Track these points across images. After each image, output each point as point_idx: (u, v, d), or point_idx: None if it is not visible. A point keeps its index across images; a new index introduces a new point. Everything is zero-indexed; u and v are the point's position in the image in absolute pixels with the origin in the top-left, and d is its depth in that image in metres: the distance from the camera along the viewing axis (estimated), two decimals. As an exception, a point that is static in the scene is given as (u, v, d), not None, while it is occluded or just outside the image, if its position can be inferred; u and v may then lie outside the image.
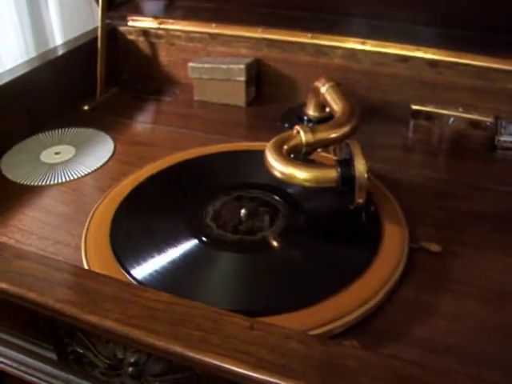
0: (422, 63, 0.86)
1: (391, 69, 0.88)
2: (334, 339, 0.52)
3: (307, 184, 0.61)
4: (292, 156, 0.66)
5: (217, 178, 0.73)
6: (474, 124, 0.82)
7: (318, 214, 0.66)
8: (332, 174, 0.60)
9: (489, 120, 0.82)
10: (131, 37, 1.03)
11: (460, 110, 0.83)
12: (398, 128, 0.87)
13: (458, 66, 0.84)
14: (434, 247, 0.63)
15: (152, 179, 0.72)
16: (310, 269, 0.59)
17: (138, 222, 0.65)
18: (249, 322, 0.41)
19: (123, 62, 1.05)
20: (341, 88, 0.79)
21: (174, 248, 0.61)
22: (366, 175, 0.58)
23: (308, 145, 0.66)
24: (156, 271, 0.58)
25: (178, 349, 0.40)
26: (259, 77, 0.96)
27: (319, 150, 0.69)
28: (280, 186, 0.67)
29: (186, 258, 0.60)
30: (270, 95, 0.97)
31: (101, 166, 0.79)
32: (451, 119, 0.83)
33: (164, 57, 1.02)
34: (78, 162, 0.80)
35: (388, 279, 0.57)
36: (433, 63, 0.86)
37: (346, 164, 0.60)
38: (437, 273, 0.60)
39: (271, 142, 0.64)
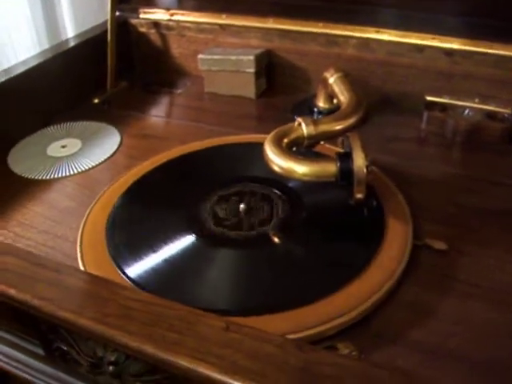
0: (438, 52, 0.83)
1: (406, 59, 0.85)
2: (328, 340, 0.50)
3: (306, 178, 0.58)
4: (294, 149, 0.64)
5: (217, 172, 0.71)
6: (491, 115, 0.79)
7: (319, 209, 0.64)
8: (331, 168, 0.58)
9: (506, 111, 0.78)
10: (142, 29, 1.02)
11: (476, 100, 0.80)
12: (412, 120, 0.83)
13: (475, 54, 0.81)
14: (439, 245, 0.60)
15: (152, 174, 0.71)
16: (309, 266, 0.57)
17: (134, 218, 0.64)
18: (225, 323, 0.39)
19: (135, 54, 1.04)
20: (348, 79, 0.76)
21: (171, 245, 0.60)
22: (364, 169, 0.56)
23: (310, 137, 0.64)
24: (151, 268, 0.57)
25: (150, 350, 0.38)
26: (270, 68, 0.94)
27: (322, 142, 0.66)
28: (280, 180, 0.65)
29: (182, 255, 0.59)
30: (282, 86, 0.94)
31: (106, 160, 0.78)
32: (466, 111, 0.79)
33: (175, 49, 1.01)
34: (83, 155, 0.80)
35: (388, 278, 0.54)
36: (449, 52, 0.82)
37: (346, 158, 0.58)
38: (441, 272, 0.57)
39: (271, 134, 0.62)
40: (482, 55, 0.80)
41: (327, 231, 0.61)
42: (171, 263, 0.58)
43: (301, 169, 0.58)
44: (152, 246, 0.60)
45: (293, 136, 0.63)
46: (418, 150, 0.79)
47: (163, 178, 0.71)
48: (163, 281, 0.56)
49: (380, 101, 0.86)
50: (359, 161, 0.56)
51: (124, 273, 0.56)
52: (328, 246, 0.59)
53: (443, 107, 0.81)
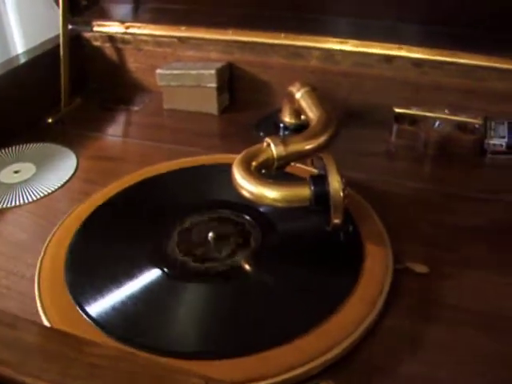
0: (406, 63, 0.81)
1: (373, 70, 0.83)
2: (311, 379, 0.47)
3: (279, 204, 0.55)
4: (263, 171, 0.60)
5: (183, 197, 0.67)
6: (462, 127, 0.77)
7: (293, 236, 0.60)
8: (305, 192, 0.54)
9: (477, 122, 0.76)
10: (97, 43, 0.97)
11: (446, 111, 0.78)
12: (381, 133, 0.81)
13: (444, 65, 0.79)
14: (421, 268, 0.57)
15: (113, 201, 0.66)
16: (286, 301, 0.53)
17: (95, 251, 0.60)
18: (204, 380, 0.35)
19: (89, 70, 0.99)
20: (316, 93, 0.73)
21: (135, 280, 0.55)
22: (341, 193, 0.53)
23: (280, 158, 0.60)
24: (113, 307, 0.52)
25: (120, 416, 0.34)
26: (232, 82, 0.91)
27: (292, 163, 0.63)
28: (252, 205, 0.61)
29: (148, 290, 0.54)
30: (245, 101, 0.91)
31: (62, 186, 0.73)
32: (437, 122, 0.77)
33: (132, 63, 0.96)
34: (37, 181, 0.75)
35: (371, 308, 0.51)
36: (417, 63, 0.80)
37: (320, 181, 0.54)
38: (424, 297, 0.55)
39: (239, 157, 0.59)
40: (450, 65, 0.79)
41: (303, 261, 0.57)
42: (136, 300, 0.53)
43: (272, 194, 0.55)
44: (115, 281, 0.55)
45: (262, 158, 0.60)
46: (388, 166, 0.76)
47: (125, 205, 0.66)
48: (128, 320, 0.51)
49: (347, 114, 0.84)
50: (335, 184, 0.53)
51: (86, 313, 0.52)
52: (305, 278, 0.56)
53: (413, 119, 0.79)
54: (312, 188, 0.54)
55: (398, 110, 0.79)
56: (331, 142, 0.65)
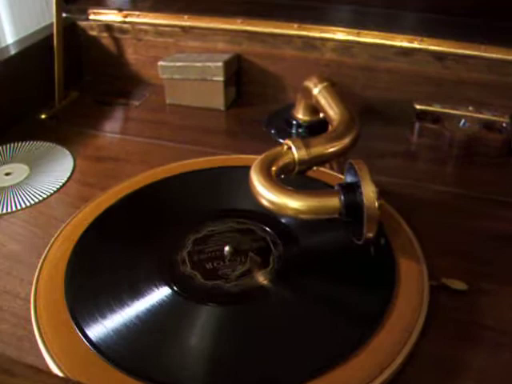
0: (427, 56, 0.76)
1: (391, 63, 0.77)
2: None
3: (303, 216, 0.49)
4: (283, 177, 0.55)
5: (195, 205, 0.61)
6: (488, 125, 0.71)
7: (319, 251, 0.54)
8: (333, 202, 0.49)
9: (504, 120, 0.71)
10: (93, 32, 0.91)
11: (470, 109, 0.73)
12: (402, 131, 0.76)
13: (468, 58, 0.74)
14: (458, 284, 0.52)
15: (116, 208, 0.60)
16: (312, 328, 0.47)
17: (99, 266, 0.54)
18: None
19: (85, 61, 0.93)
20: (335, 89, 0.67)
21: (141, 299, 0.49)
22: (376, 204, 0.47)
23: (302, 163, 0.55)
24: (116, 330, 0.47)
25: None
26: (240, 75, 0.85)
27: (314, 168, 0.58)
28: (272, 215, 0.55)
29: (155, 311, 0.48)
30: (253, 96, 0.85)
31: (58, 189, 0.67)
32: (462, 121, 0.72)
33: (131, 54, 0.90)
34: (31, 184, 0.68)
35: (407, 336, 0.46)
36: (438, 56, 0.75)
37: (351, 190, 0.49)
38: (464, 317, 0.50)
39: (257, 162, 0.53)
40: (474, 59, 0.73)
41: (331, 281, 0.51)
42: (143, 325, 0.47)
43: (295, 204, 0.49)
44: (121, 303, 0.49)
45: (282, 162, 0.54)
46: (411, 167, 0.71)
47: (130, 213, 0.60)
48: (135, 349, 0.46)
49: (364, 110, 0.78)
50: (370, 194, 0.47)
51: (88, 339, 0.46)
52: (334, 301, 0.50)
53: (435, 117, 0.74)
54: (342, 198, 0.49)
55: (419, 107, 0.74)
56: (355, 144, 0.60)
